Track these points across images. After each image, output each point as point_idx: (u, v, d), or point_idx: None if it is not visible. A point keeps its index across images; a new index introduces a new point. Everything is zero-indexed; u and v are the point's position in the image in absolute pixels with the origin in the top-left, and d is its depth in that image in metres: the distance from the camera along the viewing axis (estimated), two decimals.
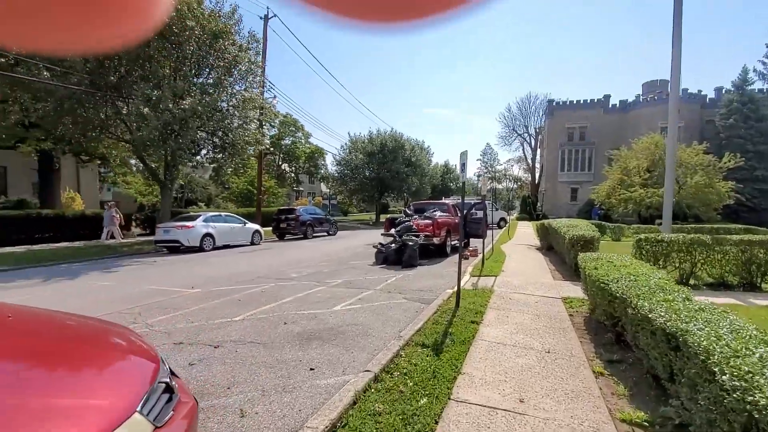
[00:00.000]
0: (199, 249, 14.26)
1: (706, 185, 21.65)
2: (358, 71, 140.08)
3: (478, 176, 69.78)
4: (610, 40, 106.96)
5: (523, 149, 61.56)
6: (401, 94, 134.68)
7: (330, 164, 36.61)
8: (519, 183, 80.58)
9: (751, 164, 26.79)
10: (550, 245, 14.13)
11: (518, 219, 43.35)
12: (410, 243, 10.82)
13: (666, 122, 36.04)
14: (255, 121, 16.64)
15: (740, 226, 17.49)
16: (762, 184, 28.42)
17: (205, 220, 14.50)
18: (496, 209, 28.53)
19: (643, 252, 8.24)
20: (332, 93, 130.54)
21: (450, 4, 0.26)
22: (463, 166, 5.95)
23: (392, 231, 12.51)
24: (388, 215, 13.39)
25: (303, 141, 37.98)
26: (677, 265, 7.99)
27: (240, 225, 15.91)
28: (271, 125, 33.39)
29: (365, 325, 5.52)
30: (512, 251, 14.03)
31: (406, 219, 12.77)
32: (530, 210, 44.50)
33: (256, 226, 16.74)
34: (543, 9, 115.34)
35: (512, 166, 76.46)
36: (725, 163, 22.92)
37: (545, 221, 14.07)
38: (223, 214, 15.78)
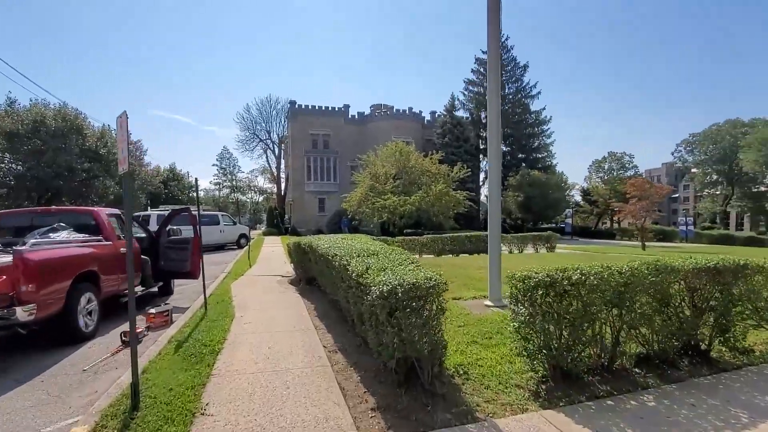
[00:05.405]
0: None
1: (446, 193, 22.13)
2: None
3: (216, 185, 60.26)
4: (348, 60, 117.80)
5: (266, 157, 56.47)
6: (114, 88, 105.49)
7: None
8: (265, 194, 75.29)
9: (463, 178, 30.43)
10: (311, 277, 8.60)
11: (265, 234, 37.57)
12: None
13: (398, 136, 38.23)
14: None
15: (514, 234, 17.41)
16: (473, 194, 33.30)
17: None
18: (234, 223, 21.51)
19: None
20: None
21: None
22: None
23: None
24: None
25: None
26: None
27: None
28: None
29: None
30: (250, 297, 7.65)
31: None
32: (278, 223, 39.54)
33: None
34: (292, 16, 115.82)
35: (257, 176, 70.40)
36: (455, 173, 24.48)
37: (303, 240, 8.47)
38: None
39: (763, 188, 44.74)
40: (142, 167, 31.03)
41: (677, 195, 74.36)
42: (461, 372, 3.71)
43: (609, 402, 3.13)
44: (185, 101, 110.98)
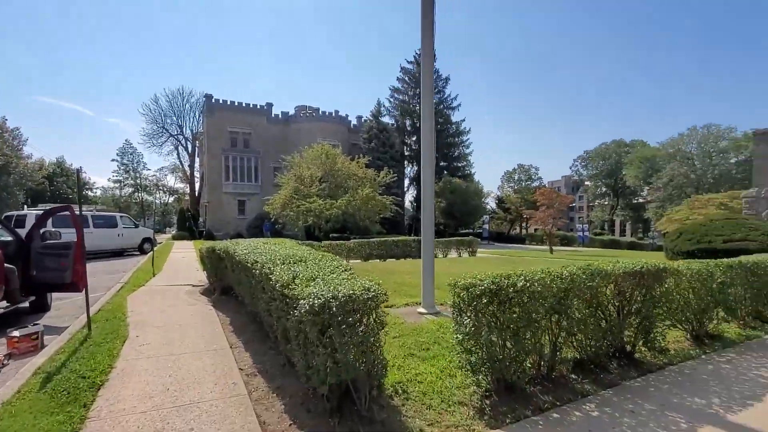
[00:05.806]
0: None
1: (373, 197, 21.99)
2: None
3: (117, 182, 53.74)
4: (271, 60, 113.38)
5: (178, 154, 51.70)
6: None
7: None
8: (176, 195, 68.97)
9: (389, 183, 30.69)
10: (227, 286, 7.70)
11: (176, 238, 34.12)
12: None
13: (324, 138, 37.49)
14: None
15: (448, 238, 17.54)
16: (399, 198, 33.77)
17: None
18: (136, 225, 19.00)
19: None
20: None
21: None
22: None
23: None
24: None
25: None
26: None
27: None
28: None
29: None
30: (151, 312, 6.52)
31: None
32: (191, 226, 36.19)
33: None
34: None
35: (166, 175, 64.31)
36: (382, 178, 24.49)
37: (218, 245, 7.53)
38: None
39: (641, 200, 52.13)
40: (20, 159, 26.29)
41: (574, 204, 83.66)
42: (400, 391, 3.34)
43: (555, 414, 2.98)
44: (83, 89, 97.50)
